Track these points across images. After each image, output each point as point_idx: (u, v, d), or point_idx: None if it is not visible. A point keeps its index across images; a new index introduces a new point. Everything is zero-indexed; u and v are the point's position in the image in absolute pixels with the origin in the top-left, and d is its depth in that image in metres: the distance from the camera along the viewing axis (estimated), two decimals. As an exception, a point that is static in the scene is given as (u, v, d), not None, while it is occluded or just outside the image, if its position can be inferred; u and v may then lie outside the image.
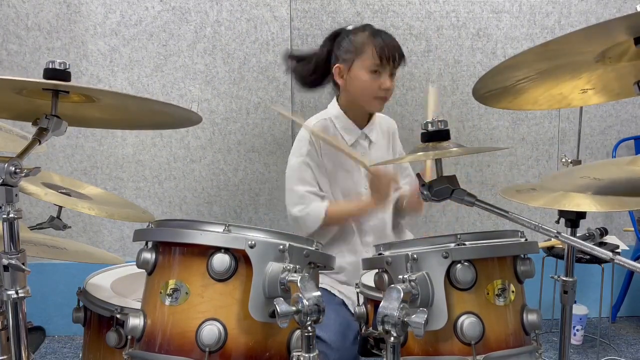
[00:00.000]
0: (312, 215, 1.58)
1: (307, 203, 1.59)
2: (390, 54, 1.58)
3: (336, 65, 1.64)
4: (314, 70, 1.70)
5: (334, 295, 1.60)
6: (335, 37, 1.68)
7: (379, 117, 1.76)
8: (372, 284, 1.10)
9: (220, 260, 0.93)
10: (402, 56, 1.62)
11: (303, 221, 1.58)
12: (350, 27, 1.68)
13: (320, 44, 1.73)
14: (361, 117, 1.70)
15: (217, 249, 0.94)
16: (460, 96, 2.72)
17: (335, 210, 1.61)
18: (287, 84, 2.62)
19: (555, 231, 0.93)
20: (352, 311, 1.56)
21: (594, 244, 0.90)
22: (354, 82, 1.62)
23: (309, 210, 1.58)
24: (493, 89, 0.97)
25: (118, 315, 1.16)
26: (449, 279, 0.96)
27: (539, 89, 0.97)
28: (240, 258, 0.94)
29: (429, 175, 1.47)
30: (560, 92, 0.99)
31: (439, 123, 1.04)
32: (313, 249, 1.01)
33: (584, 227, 1.42)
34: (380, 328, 0.88)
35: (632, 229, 2.75)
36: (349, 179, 1.67)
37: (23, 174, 0.92)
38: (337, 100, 1.71)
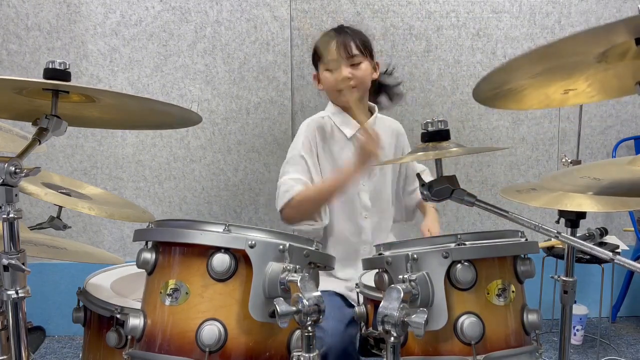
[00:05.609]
0: (283, 188, 1.57)
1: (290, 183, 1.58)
2: (335, 47, 1.62)
3: (313, 74, 1.74)
4: None
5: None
6: None
7: (381, 117, 1.78)
8: (372, 284, 1.10)
9: (220, 260, 0.93)
10: (350, 45, 1.62)
11: (277, 192, 1.58)
12: None
13: None
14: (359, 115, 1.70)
15: (217, 249, 0.94)
16: (460, 96, 2.72)
17: (309, 190, 1.58)
18: (287, 84, 2.62)
19: (555, 231, 0.93)
20: (348, 300, 1.57)
21: (594, 244, 0.90)
22: (323, 84, 1.69)
23: (286, 187, 1.57)
24: (493, 89, 0.97)
25: (118, 315, 1.16)
26: (449, 279, 0.96)
27: (537, 89, 0.97)
28: (240, 258, 0.94)
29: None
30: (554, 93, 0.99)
31: (439, 123, 1.04)
32: (313, 249, 1.01)
33: (584, 227, 1.42)
34: (380, 328, 0.88)
35: (632, 229, 2.75)
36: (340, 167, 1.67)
37: (23, 174, 0.92)
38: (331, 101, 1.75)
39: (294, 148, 1.66)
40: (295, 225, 1.61)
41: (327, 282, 1.62)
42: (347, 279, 1.64)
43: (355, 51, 1.63)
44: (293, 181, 1.58)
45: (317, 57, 1.69)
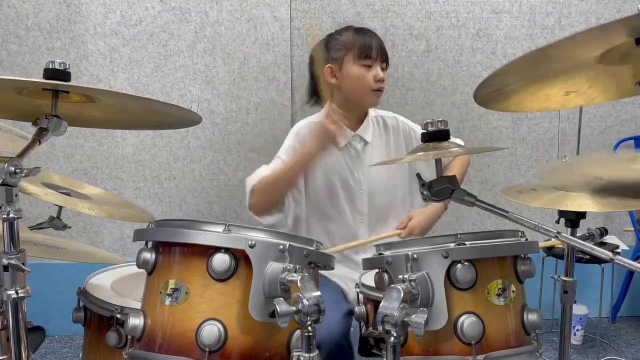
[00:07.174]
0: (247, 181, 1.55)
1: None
2: (377, 47, 1.62)
3: (327, 66, 1.66)
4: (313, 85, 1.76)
5: (325, 276, 1.61)
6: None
7: (374, 116, 1.75)
8: (372, 284, 1.10)
9: (220, 260, 0.93)
10: (386, 52, 1.66)
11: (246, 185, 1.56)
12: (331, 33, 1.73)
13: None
14: (355, 119, 1.70)
15: (217, 249, 0.94)
16: (460, 96, 2.72)
17: (268, 175, 1.55)
18: (287, 84, 2.62)
19: (555, 231, 0.93)
20: (345, 293, 1.56)
21: (594, 244, 0.90)
22: (347, 79, 1.63)
23: (249, 179, 1.55)
24: (493, 92, 0.97)
25: (118, 315, 1.16)
26: (449, 278, 0.96)
27: (538, 91, 0.98)
28: (240, 258, 0.94)
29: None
30: (554, 94, 0.99)
31: (439, 123, 1.04)
32: (313, 249, 1.01)
33: (584, 227, 1.42)
34: (380, 328, 0.88)
35: (632, 229, 2.75)
36: (337, 182, 1.67)
37: (23, 174, 0.92)
38: (330, 104, 1.71)
39: (279, 151, 1.67)
40: (261, 217, 1.57)
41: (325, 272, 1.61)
42: (342, 274, 1.63)
43: (385, 58, 1.65)
44: (256, 173, 1.56)
45: (345, 50, 1.63)
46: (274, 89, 2.62)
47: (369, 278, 1.20)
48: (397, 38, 2.65)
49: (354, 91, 1.65)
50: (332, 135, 1.45)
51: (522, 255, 1.04)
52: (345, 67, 1.63)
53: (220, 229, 0.95)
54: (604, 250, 0.87)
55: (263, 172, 1.56)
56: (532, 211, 2.66)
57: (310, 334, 0.88)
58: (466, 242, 0.98)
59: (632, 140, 2.83)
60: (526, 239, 1.05)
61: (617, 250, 2.31)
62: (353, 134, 1.69)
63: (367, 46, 1.61)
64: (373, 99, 1.66)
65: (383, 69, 1.64)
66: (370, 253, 1.14)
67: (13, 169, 0.90)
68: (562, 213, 1.39)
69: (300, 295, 0.86)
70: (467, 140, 2.75)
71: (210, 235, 0.95)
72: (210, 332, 0.91)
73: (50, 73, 0.95)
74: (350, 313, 1.46)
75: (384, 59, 1.64)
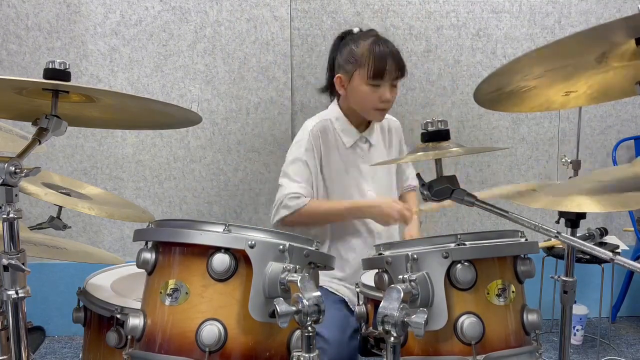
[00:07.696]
0: (289, 196, 1.55)
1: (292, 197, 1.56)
2: (389, 67, 1.56)
3: (337, 75, 1.64)
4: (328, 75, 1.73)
5: (333, 293, 1.61)
6: (341, 41, 1.68)
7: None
8: (372, 284, 1.10)
9: (220, 260, 0.93)
10: (402, 67, 1.60)
11: (276, 207, 1.57)
12: (356, 30, 1.68)
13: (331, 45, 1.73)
14: (362, 121, 1.69)
15: (217, 249, 0.94)
16: (460, 96, 2.72)
17: (321, 206, 1.60)
18: (287, 83, 2.62)
19: (555, 231, 0.93)
20: (351, 308, 1.56)
21: (594, 244, 0.90)
22: (354, 93, 1.61)
23: (293, 197, 1.55)
24: (493, 92, 0.97)
25: (118, 315, 1.16)
26: (449, 279, 0.96)
27: (538, 91, 0.97)
28: (240, 258, 0.94)
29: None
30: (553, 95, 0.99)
31: (439, 123, 1.04)
32: (313, 249, 1.01)
33: (584, 227, 1.42)
34: (380, 328, 0.88)
35: (632, 229, 2.75)
36: (350, 182, 1.67)
37: (23, 174, 0.92)
38: (338, 102, 1.70)
39: (297, 151, 1.62)
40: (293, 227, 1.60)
41: (332, 285, 1.62)
42: (344, 278, 1.63)
43: (401, 73, 1.60)
44: (298, 189, 1.55)
45: (356, 65, 1.58)
46: (274, 89, 2.62)
47: (369, 278, 1.20)
48: (397, 38, 2.65)
49: (359, 107, 1.64)
50: (403, 220, 1.55)
51: (522, 256, 1.04)
52: (353, 82, 1.60)
53: (220, 229, 0.95)
54: (604, 250, 0.87)
55: (300, 192, 1.55)
56: (532, 211, 2.66)
57: (310, 334, 0.88)
58: (466, 242, 0.98)
59: (632, 140, 2.83)
60: (526, 239, 1.05)
61: (617, 250, 2.31)
62: (360, 135, 1.68)
63: (379, 68, 1.55)
64: (376, 117, 1.65)
65: (393, 86, 1.60)
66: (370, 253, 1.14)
67: (13, 169, 0.90)
68: (562, 213, 1.38)
69: (300, 295, 0.86)
70: (467, 140, 2.75)
71: (210, 235, 0.95)
72: (210, 332, 0.91)
73: (50, 73, 0.95)
74: (356, 331, 1.46)
75: (396, 76, 1.59)
